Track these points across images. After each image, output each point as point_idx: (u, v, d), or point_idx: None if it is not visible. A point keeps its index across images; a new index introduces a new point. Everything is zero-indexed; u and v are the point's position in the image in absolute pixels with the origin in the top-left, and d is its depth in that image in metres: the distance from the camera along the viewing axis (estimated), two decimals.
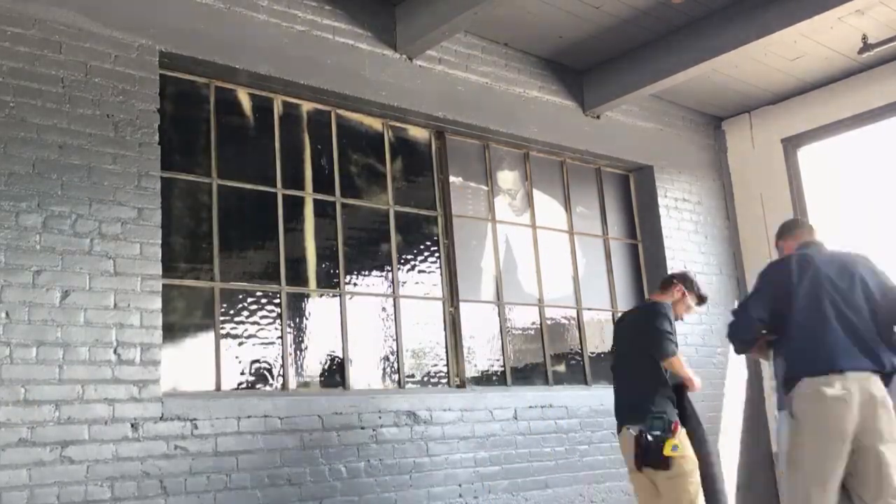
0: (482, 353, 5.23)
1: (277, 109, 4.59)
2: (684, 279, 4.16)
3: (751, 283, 6.69)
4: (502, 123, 5.44)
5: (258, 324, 4.28)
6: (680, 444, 3.68)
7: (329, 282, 4.60)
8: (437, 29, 4.76)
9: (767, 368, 6.58)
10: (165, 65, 4.06)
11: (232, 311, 4.20)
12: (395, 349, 4.78)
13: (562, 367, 5.64)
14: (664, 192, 6.40)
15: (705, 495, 3.72)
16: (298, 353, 4.40)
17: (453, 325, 5.04)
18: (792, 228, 3.82)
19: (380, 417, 4.32)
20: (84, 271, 3.51)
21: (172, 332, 3.91)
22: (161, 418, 3.59)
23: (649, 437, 3.67)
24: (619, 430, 3.89)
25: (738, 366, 6.53)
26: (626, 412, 3.89)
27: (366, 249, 4.82)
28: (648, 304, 4.17)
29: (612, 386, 4.12)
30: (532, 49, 5.66)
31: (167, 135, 4.00)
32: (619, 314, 6.02)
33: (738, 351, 3.75)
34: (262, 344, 4.26)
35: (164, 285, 3.79)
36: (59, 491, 3.26)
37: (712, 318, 6.43)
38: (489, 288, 5.34)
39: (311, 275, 4.52)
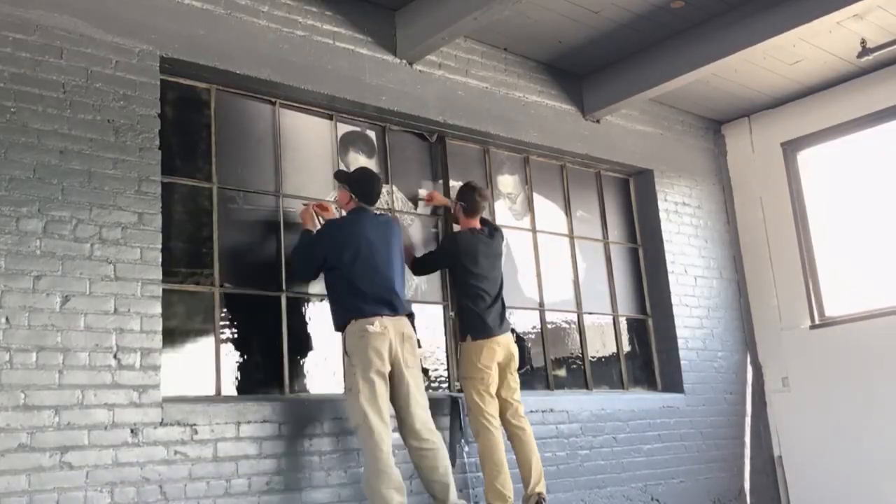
0: None
1: (277, 114, 4.59)
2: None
3: (752, 286, 6.75)
4: (502, 128, 5.45)
5: (258, 329, 4.28)
6: None
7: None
8: (436, 34, 4.77)
9: (768, 371, 6.59)
10: (166, 70, 4.06)
11: (232, 316, 4.19)
12: None
13: (562, 372, 5.63)
14: (664, 195, 6.40)
15: None
16: (299, 358, 4.39)
17: (454, 330, 5.03)
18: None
19: None
20: (84, 276, 3.51)
21: (172, 337, 3.91)
22: (161, 423, 3.58)
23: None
24: (495, 335, 4.35)
25: (738, 370, 6.52)
26: (504, 316, 4.55)
27: None
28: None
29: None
30: (531, 54, 5.67)
31: (168, 140, 4.01)
32: (619, 314, 6.04)
33: None
34: (262, 349, 4.26)
35: (164, 290, 3.78)
36: (59, 497, 3.25)
37: (713, 322, 6.43)
38: None
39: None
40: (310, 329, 4.50)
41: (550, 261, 5.73)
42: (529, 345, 4.74)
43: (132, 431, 3.49)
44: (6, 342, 3.27)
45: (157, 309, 3.70)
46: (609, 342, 6.00)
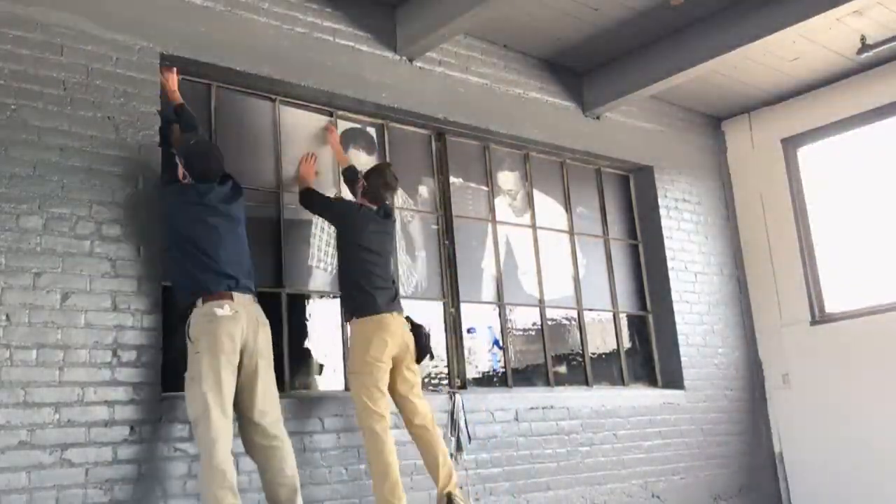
0: (483, 354, 5.23)
1: (277, 111, 4.59)
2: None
3: (752, 282, 6.75)
4: (502, 124, 5.44)
5: None
6: None
7: (328, 283, 4.60)
8: (436, 31, 4.77)
9: (769, 367, 6.59)
10: (166, 67, 4.06)
11: None
12: None
13: (563, 368, 5.63)
14: (664, 192, 6.40)
15: None
16: (298, 355, 4.39)
17: (454, 326, 5.04)
18: None
19: None
20: (84, 273, 3.51)
21: (172, 334, 3.90)
22: (160, 421, 3.58)
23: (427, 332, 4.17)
24: (382, 312, 3.98)
25: (739, 366, 6.52)
26: (397, 298, 4.16)
27: None
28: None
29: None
30: (531, 51, 5.67)
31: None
32: (619, 311, 6.04)
33: None
34: None
35: (163, 287, 3.78)
36: (59, 494, 3.25)
37: (713, 319, 6.44)
38: (490, 289, 5.34)
39: (311, 275, 4.52)
40: (310, 326, 4.51)
41: (551, 257, 5.73)
42: (428, 330, 4.24)
43: (132, 428, 3.49)
44: (6, 339, 3.27)
45: (157, 306, 3.70)
46: (609, 339, 6.00)
